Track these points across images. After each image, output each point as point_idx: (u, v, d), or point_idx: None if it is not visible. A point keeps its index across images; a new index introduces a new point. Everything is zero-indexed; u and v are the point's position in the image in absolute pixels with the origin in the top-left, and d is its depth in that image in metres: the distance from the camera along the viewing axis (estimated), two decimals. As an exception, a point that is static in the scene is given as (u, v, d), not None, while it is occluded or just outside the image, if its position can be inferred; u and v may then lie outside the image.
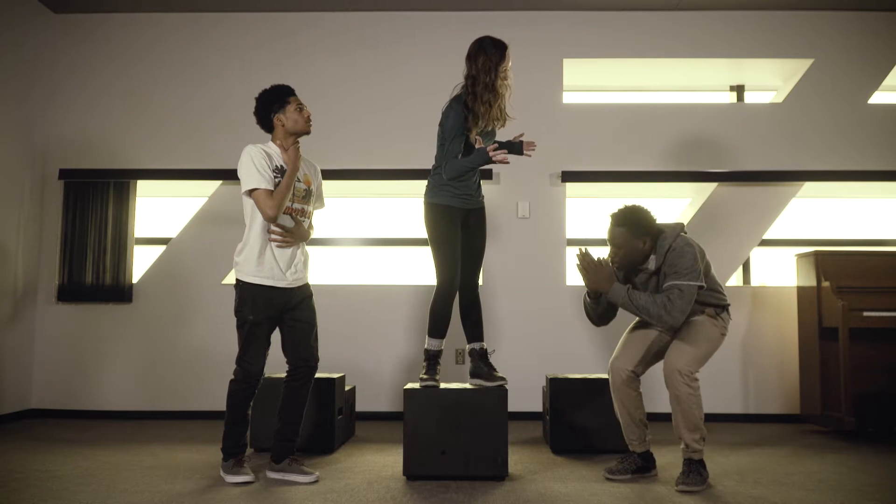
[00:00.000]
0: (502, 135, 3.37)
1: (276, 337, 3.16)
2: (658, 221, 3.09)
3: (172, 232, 5.30)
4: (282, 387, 3.18)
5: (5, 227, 4.83)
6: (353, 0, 5.18)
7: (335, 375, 3.94)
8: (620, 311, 3.21)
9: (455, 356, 4.90)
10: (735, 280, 5.26)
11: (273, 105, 3.11)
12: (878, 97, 5.27)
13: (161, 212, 5.51)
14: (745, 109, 5.36)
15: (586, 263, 3.03)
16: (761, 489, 2.97)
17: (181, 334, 5.09)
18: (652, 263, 3.05)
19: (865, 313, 4.26)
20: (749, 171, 5.12)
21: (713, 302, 3.08)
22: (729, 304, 3.15)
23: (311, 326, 3.17)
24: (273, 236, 3.05)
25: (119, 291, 5.06)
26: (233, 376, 3.10)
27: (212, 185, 5.22)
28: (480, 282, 3.48)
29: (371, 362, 5.03)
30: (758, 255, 5.37)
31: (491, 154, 3.04)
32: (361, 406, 4.85)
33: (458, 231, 3.20)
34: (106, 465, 3.38)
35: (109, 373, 5.05)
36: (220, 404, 3.20)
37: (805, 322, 4.73)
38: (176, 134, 5.26)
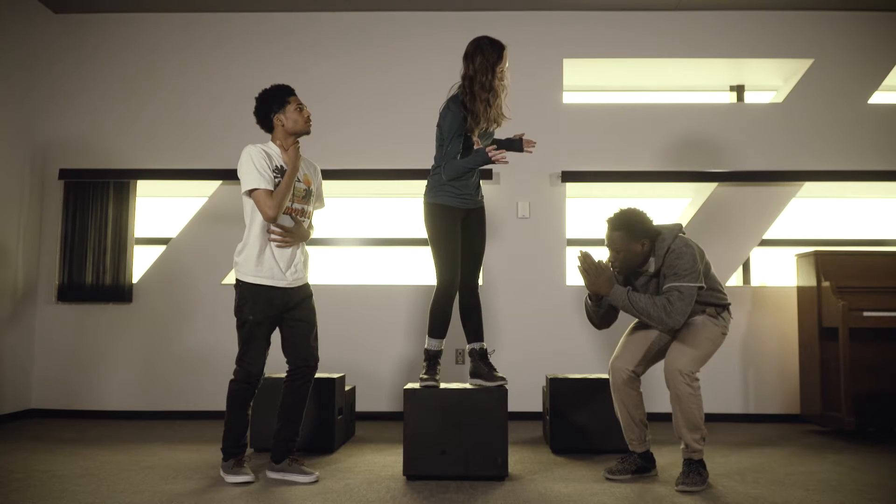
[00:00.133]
0: (499, 134, 3.37)
1: (276, 337, 3.16)
2: (655, 222, 3.09)
3: (172, 232, 5.30)
4: (282, 387, 3.18)
5: (5, 227, 4.83)
6: (351, 0, 5.18)
7: (335, 375, 3.94)
8: (621, 314, 3.21)
9: (455, 356, 4.90)
10: (735, 280, 5.26)
11: (273, 105, 3.11)
12: (878, 97, 5.27)
13: (161, 212, 5.51)
14: (745, 109, 5.36)
15: (587, 265, 3.03)
16: (761, 489, 2.97)
17: (181, 334, 5.09)
18: (651, 265, 3.05)
19: (865, 313, 4.26)
20: (749, 171, 5.12)
21: (713, 301, 3.08)
22: (729, 304, 3.14)
23: (311, 326, 3.17)
24: (273, 236, 3.05)
25: (119, 291, 5.06)
26: (233, 376, 3.10)
27: (212, 185, 5.22)
28: (480, 282, 3.48)
29: (371, 362, 5.03)
30: (758, 255, 5.37)
31: (490, 154, 3.04)
32: (361, 406, 4.85)
33: (458, 231, 3.20)
34: (106, 465, 3.38)
35: (109, 373, 5.05)
36: (220, 404, 3.20)
37: (805, 322, 4.73)
38: (176, 134, 5.26)
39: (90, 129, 5.27)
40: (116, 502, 2.72)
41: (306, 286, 3.20)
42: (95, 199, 5.13)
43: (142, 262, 5.24)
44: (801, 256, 4.80)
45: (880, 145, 5.15)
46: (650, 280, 3.10)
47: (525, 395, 4.80)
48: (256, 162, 3.01)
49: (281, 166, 3.07)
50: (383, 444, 4.01)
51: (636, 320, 3.25)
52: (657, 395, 4.42)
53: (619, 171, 5.13)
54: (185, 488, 2.95)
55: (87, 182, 5.14)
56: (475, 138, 3.13)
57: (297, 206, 3.13)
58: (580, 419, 3.79)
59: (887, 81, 5.28)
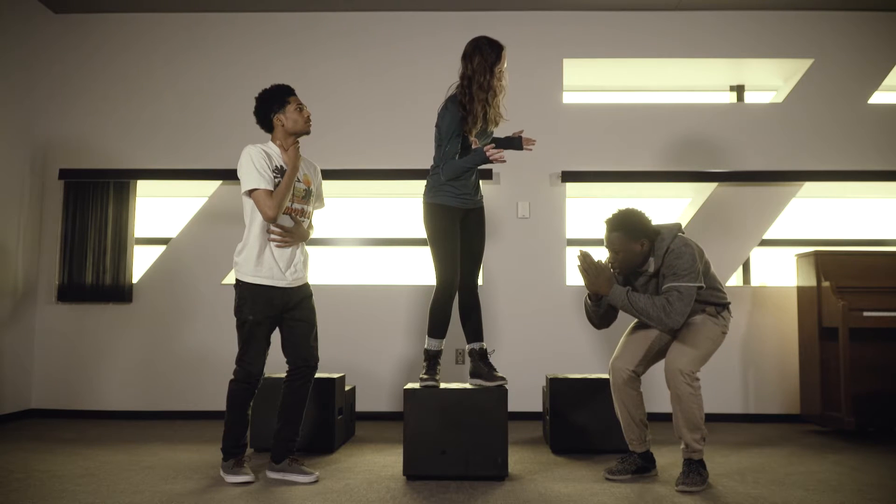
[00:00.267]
0: (498, 133, 3.37)
1: (276, 337, 3.16)
2: (654, 222, 3.09)
3: (172, 232, 5.30)
4: (282, 387, 3.18)
5: (5, 227, 4.83)
6: (352, 0, 5.18)
7: (335, 375, 3.94)
8: (621, 314, 3.21)
9: (455, 356, 4.90)
10: (735, 280, 5.26)
11: (273, 105, 3.11)
12: (878, 97, 5.27)
13: (161, 212, 5.51)
14: (745, 109, 5.36)
15: (586, 265, 3.03)
16: (761, 489, 2.97)
17: (181, 334, 5.09)
18: (651, 266, 3.05)
19: (865, 313, 4.26)
20: (749, 171, 5.12)
21: (713, 301, 3.08)
22: (729, 303, 3.14)
23: (310, 326, 3.17)
24: (272, 236, 3.05)
25: (119, 291, 5.06)
26: (233, 376, 3.10)
27: (212, 185, 5.22)
28: (480, 282, 3.48)
29: (371, 362, 5.03)
30: (758, 255, 5.37)
31: (488, 154, 3.04)
32: (361, 406, 4.85)
33: (458, 231, 3.20)
34: (106, 465, 3.38)
35: (109, 373, 5.05)
36: (220, 404, 3.20)
37: (805, 322, 4.73)
38: (176, 134, 5.26)
39: (90, 129, 5.27)
40: (116, 502, 2.72)
41: (306, 286, 3.20)
42: (95, 199, 5.13)
43: (142, 262, 5.24)
44: (801, 256, 4.80)
45: (880, 145, 5.15)
46: (650, 280, 3.10)
47: (525, 395, 4.80)
48: (256, 162, 3.01)
49: (281, 166, 3.07)
50: (383, 444, 4.01)
51: (636, 320, 3.24)
52: (657, 395, 4.42)
53: (619, 171, 5.13)
54: (185, 488, 2.95)
55: (87, 182, 5.14)
56: (472, 138, 3.13)
57: (296, 206, 3.13)
58: (580, 419, 3.79)
59: (887, 81, 5.28)
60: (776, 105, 5.28)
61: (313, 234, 3.28)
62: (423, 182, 3.29)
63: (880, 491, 2.95)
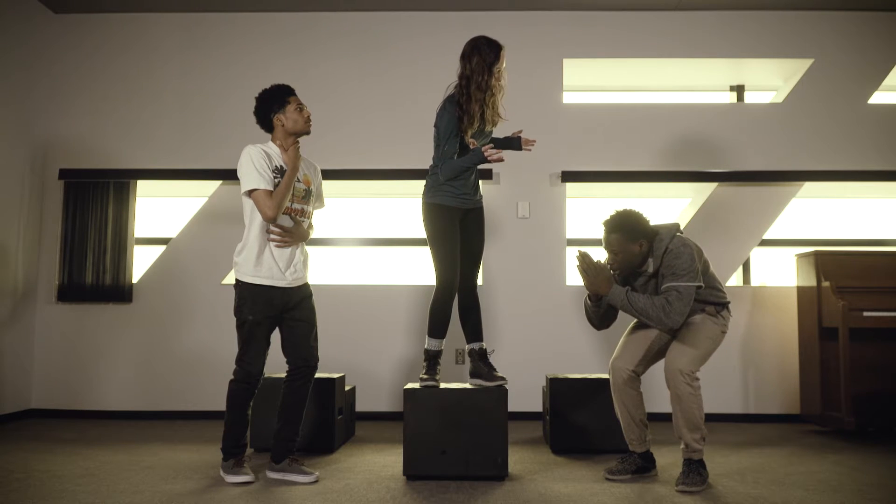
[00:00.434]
0: (497, 133, 3.37)
1: (275, 337, 3.16)
2: (652, 222, 3.09)
3: (172, 232, 5.30)
4: (282, 387, 3.18)
5: (5, 227, 4.83)
6: (352, 0, 5.18)
7: (335, 375, 3.94)
8: (621, 314, 3.21)
9: (455, 356, 4.90)
10: (735, 280, 5.26)
11: (273, 105, 3.11)
12: (878, 97, 5.27)
13: (161, 212, 5.51)
14: (745, 109, 5.36)
15: (586, 265, 3.03)
16: (761, 489, 2.97)
17: (181, 334, 5.09)
18: (650, 266, 3.05)
19: (865, 313, 4.26)
20: (749, 171, 5.12)
21: (713, 300, 3.08)
22: (729, 302, 3.14)
23: (310, 326, 3.17)
24: (272, 236, 3.05)
25: (119, 291, 5.06)
26: (232, 376, 3.10)
27: (212, 185, 5.22)
28: (480, 282, 3.48)
29: (371, 362, 5.03)
30: (758, 255, 5.37)
31: (486, 153, 3.04)
32: (361, 406, 4.85)
33: (457, 231, 3.20)
34: (106, 465, 3.38)
35: (109, 373, 5.05)
36: (220, 404, 3.20)
37: (805, 322, 4.73)
38: (176, 134, 5.26)
39: (90, 129, 5.27)
40: (116, 502, 2.72)
41: (306, 286, 3.20)
42: (95, 199, 5.13)
43: (142, 262, 5.24)
44: (801, 256, 4.80)
45: (880, 145, 5.15)
46: (649, 280, 3.10)
47: (525, 395, 4.80)
48: (256, 162, 3.01)
49: (281, 166, 3.07)
50: (383, 444, 4.01)
51: (636, 320, 3.25)
52: (657, 395, 4.42)
53: (619, 171, 5.13)
54: (185, 488, 2.95)
55: (87, 182, 5.14)
56: (469, 139, 3.13)
57: (296, 206, 3.13)
58: (580, 419, 3.79)
59: (887, 81, 5.28)
60: (776, 105, 5.29)
61: (313, 234, 3.28)
62: (423, 182, 3.29)
63: (880, 491, 2.95)
